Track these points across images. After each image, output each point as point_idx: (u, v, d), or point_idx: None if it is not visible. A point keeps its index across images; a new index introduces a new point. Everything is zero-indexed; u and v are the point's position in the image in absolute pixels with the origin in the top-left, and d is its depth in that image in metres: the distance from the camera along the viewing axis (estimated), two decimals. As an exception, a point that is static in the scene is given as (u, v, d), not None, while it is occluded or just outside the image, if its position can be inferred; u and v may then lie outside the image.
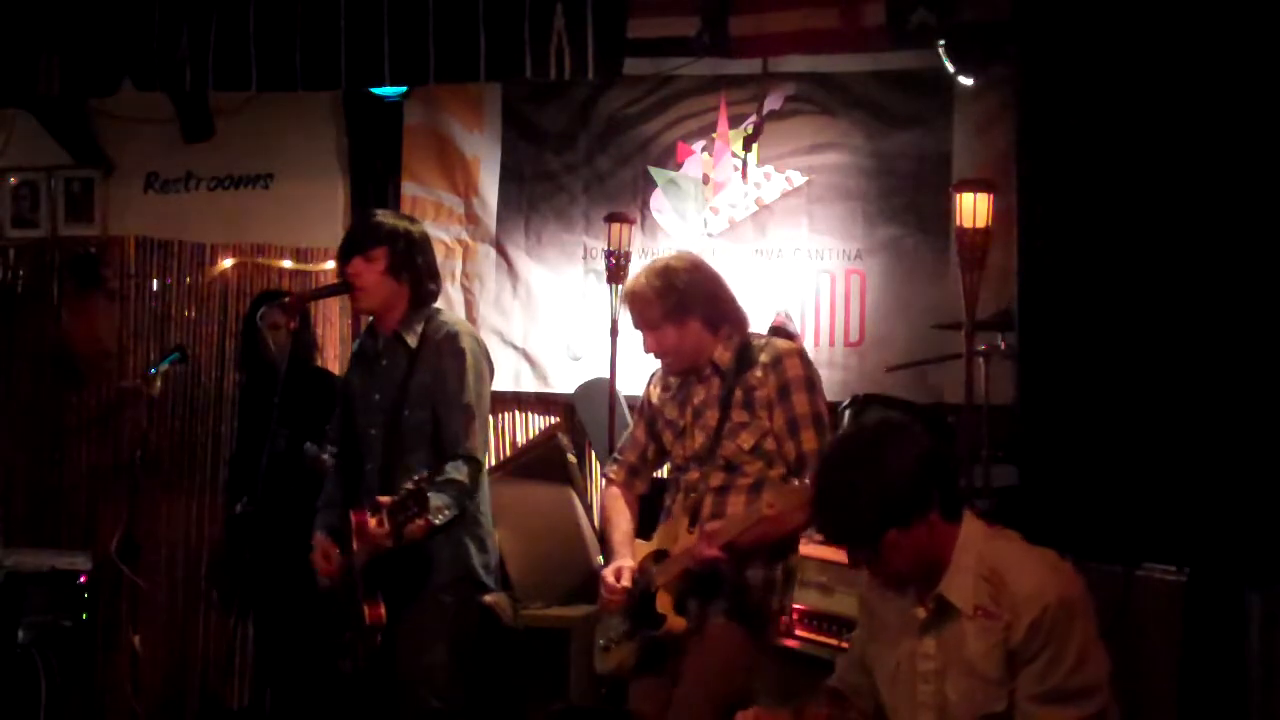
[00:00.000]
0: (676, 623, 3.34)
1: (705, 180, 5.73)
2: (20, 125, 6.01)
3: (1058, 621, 2.34)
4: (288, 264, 5.91)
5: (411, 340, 3.73)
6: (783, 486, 3.20)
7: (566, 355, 5.82)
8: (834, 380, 5.37)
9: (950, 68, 4.88)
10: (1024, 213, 3.59)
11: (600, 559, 3.95)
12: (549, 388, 5.85)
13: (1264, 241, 3.01)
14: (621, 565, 3.46)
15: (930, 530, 2.41)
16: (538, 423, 5.90)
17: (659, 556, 3.45)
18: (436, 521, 3.47)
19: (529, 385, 5.87)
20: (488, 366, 3.80)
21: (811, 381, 3.41)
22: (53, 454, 5.92)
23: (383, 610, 3.54)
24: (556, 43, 4.65)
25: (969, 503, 4.39)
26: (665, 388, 3.60)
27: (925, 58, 5.10)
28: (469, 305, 5.92)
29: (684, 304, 3.41)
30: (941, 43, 4.80)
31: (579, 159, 5.87)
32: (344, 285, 3.77)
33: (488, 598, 3.91)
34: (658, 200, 5.77)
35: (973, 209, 4.61)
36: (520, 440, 5.86)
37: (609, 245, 5.30)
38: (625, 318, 3.58)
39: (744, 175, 5.46)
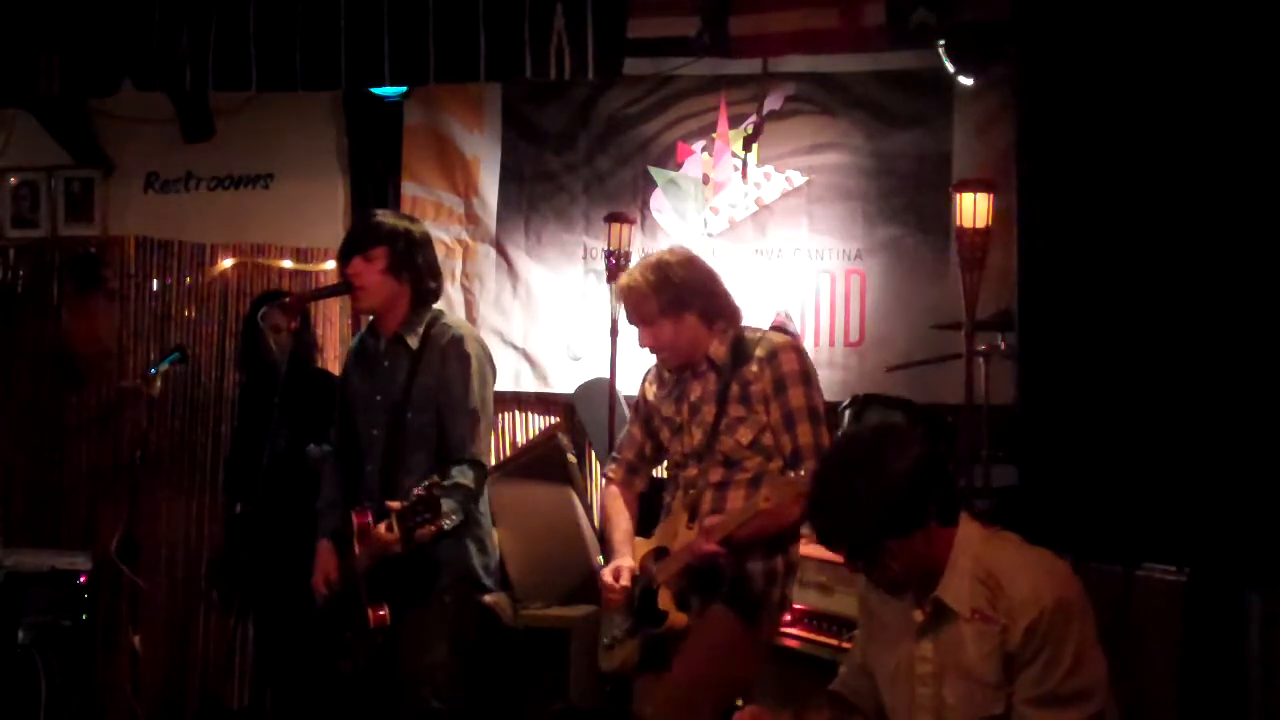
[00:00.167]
0: (678, 619, 3.34)
1: (705, 180, 5.74)
2: (20, 125, 6.01)
3: (1054, 625, 2.34)
4: (288, 264, 5.91)
5: (413, 341, 3.73)
6: (779, 479, 3.20)
7: (566, 355, 5.82)
8: (834, 380, 5.38)
9: (950, 68, 4.88)
10: (1024, 213, 3.59)
11: (600, 559, 3.95)
12: (549, 388, 5.85)
13: (1264, 242, 3.01)
14: (620, 565, 3.46)
15: (927, 537, 2.41)
16: (538, 423, 5.90)
17: (659, 554, 3.45)
18: (445, 526, 3.47)
19: (529, 385, 5.87)
20: (491, 370, 3.81)
21: (807, 375, 3.40)
22: (53, 454, 5.92)
23: (386, 612, 3.55)
24: (556, 43, 4.65)
25: (968, 503, 4.42)
26: (660, 384, 3.60)
27: (925, 58, 5.10)
28: (469, 305, 5.92)
29: (680, 298, 3.42)
30: (941, 43, 4.80)
31: (579, 159, 5.88)
32: (344, 285, 3.77)
33: (487, 598, 3.92)
34: (658, 200, 5.78)
35: (973, 209, 4.61)
36: (520, 440, 5.87)
37: (609, 245, 5.30)
38: (624, 316, 3.58)
39: (744, 175, 5.46)
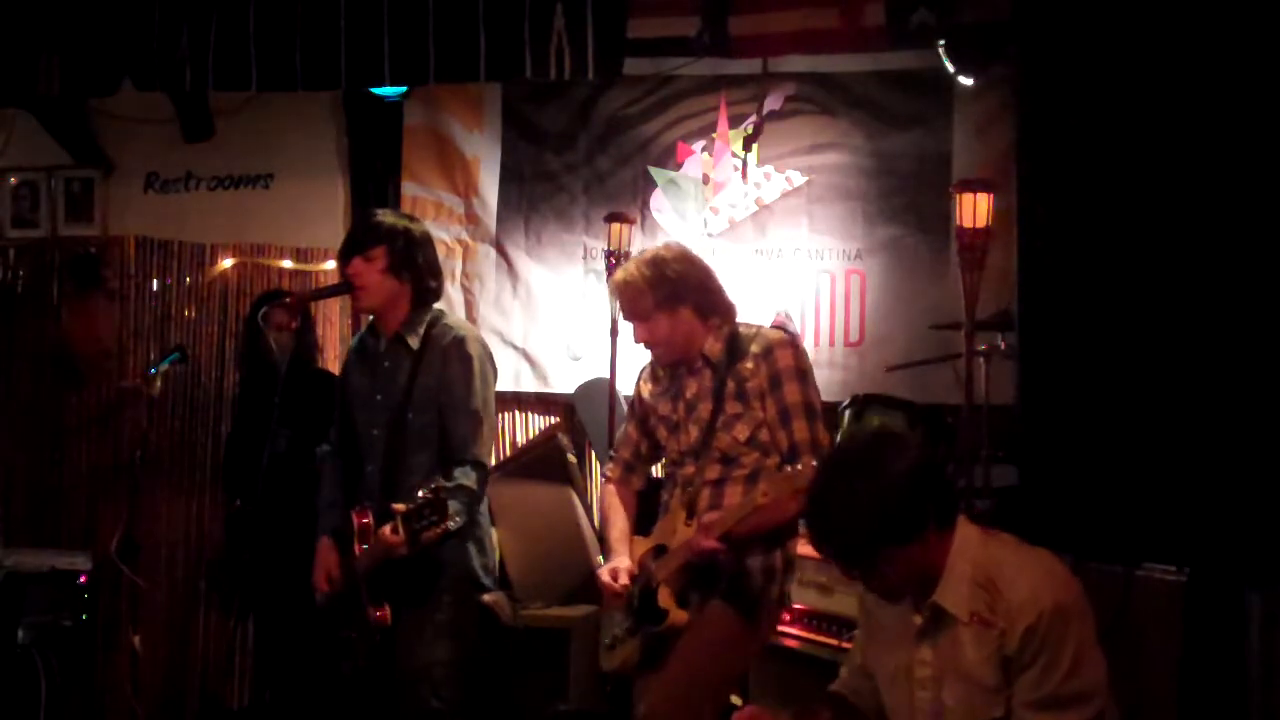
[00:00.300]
0: (679, 616, 3.34)
1: (705, 180, 5.74)
2: (20, 125, 6.01)
3: (1053, 627, 2.34)
4: (288, 264, 5.91)
5: (414, 341, 3.73)
6: (776, 474, 3.19)
7: (566, 355, 5.82)
8: (834, 380, 5.38)
9: (950, 68, 4.88)
10: (1024, 213, 3.58)
11: (601, 558, 3.95)
12: (549, 388, 5.85)
13: (1265, 242, 3.01)
14: (618, 565, 3.46)
15: (924, 544, 2.41)
16: (538, 423, 5.91)
17: (658, 552, 3.45)
18: (450, 528, 3.47)
19: (529, 385, 5.87)
20: (493, 371, 3.81)
21: (802, 371, 3.40)
22: (53, 454, 5.91)
23: (388, 612, 3.55)
24: (556, 43, 4.65)
25: (968, 503, 4.42)
26: (656, 382, 3.60)
27: (925, 58, 5.10)
28: (469, 305, 5.92)
29: (676, 293, 3.41)
30: (941, 43, 4.80)
31: (579, 159, 5.88)
32: (345, 285, 3.77)
33: (487, 597, 3.91)
34: (658, 200, 5.78)
35: (973, 209, 4.61)
36: (520, 440, 5.87)
37: (609, 245, 5.31)
38: (619, 312, 3.57)
39: (744, 175, 5.46)
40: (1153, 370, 3.16)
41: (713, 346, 3.45)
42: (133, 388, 5.77)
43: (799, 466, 3.10)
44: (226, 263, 5.94)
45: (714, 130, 5.73)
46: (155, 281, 5.97)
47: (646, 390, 3.62)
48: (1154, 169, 3.18)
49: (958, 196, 4.70)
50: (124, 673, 5.50)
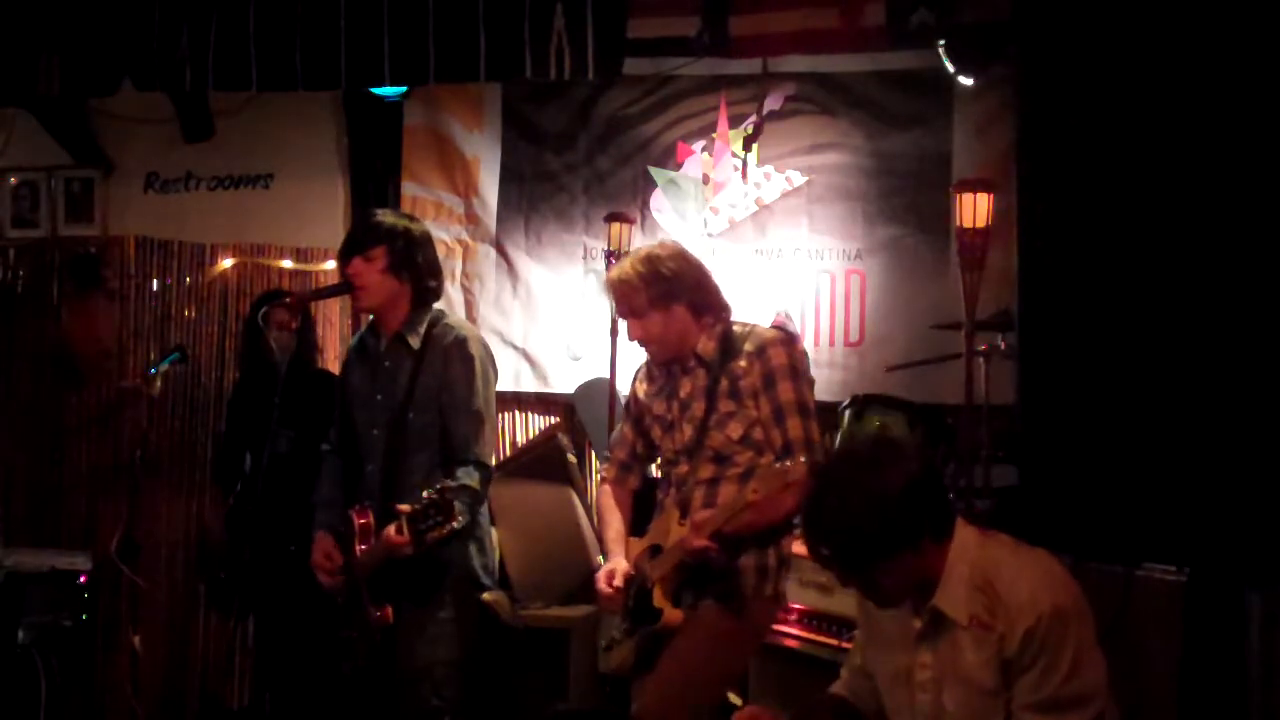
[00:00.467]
0: (673, 615, 3.34)
1: (705, 180, 5.74)
2: (20, 125, 6.01)
3: (1051, 630, 2.33)
4: (288, 264, 5.91)
5: (414, 341, 3.72)
6: (766, 471, 3.18)
7: (566, 355, 5.82)
8: (834, 380, 5.38)
9: (950, 68, 4.88)
10: (1024, 213, 3.59)
11: (601, 558, 3.95)
12: (549, 388, 5.86)
13: (1264, 242, 3.01)
14: (614, 567, 3.46)
15: (921, 553, 2.41)
16: (538, 423, 5.91)
17: (654, 552, 3.45)
18: (455, 528, 3.47)
19: (529, 385, 5.87)
20: (494, 371, 3.81)
21: (795, 369, 3.39)
22: (53, 454, 5.91)
23: (390, 612, 3.55)
24: (556, 43, 4.65)
25: (967, 503, 4.42)
26: (651, 382, 3.60)
27: (925, 58, 5.11)
28: (469, 305, 5.93)
29: (670, 291, 3.41)
30: (941, 43, 4.81)
31: (579, 159, 5.88)
32: (345, 285, 3.77)
33: (486, 595, 3.91)
34: (658, 200, 5.78)
35: (973, 209, 4.61)
36: (520, 440, 5.87)
37: (609, 245, 5.31)
38: (614, 309, 3.57)
39: (744, 175, 5.46)
40: (1153, 370, 3.16)
41: (706, 345, 3.44)
42: (133, 388, 5.77)
43: (788, 463, 3.10)
44: (226, 263, 5.94)
45: (714, 130, 5.73)
46: (155, 281, 5.97)
47: (642, 390, 3.62)
48: (1154, 169, 3.18)
49: (958, 196, 4.70)
50: (124, 673, 5.50)
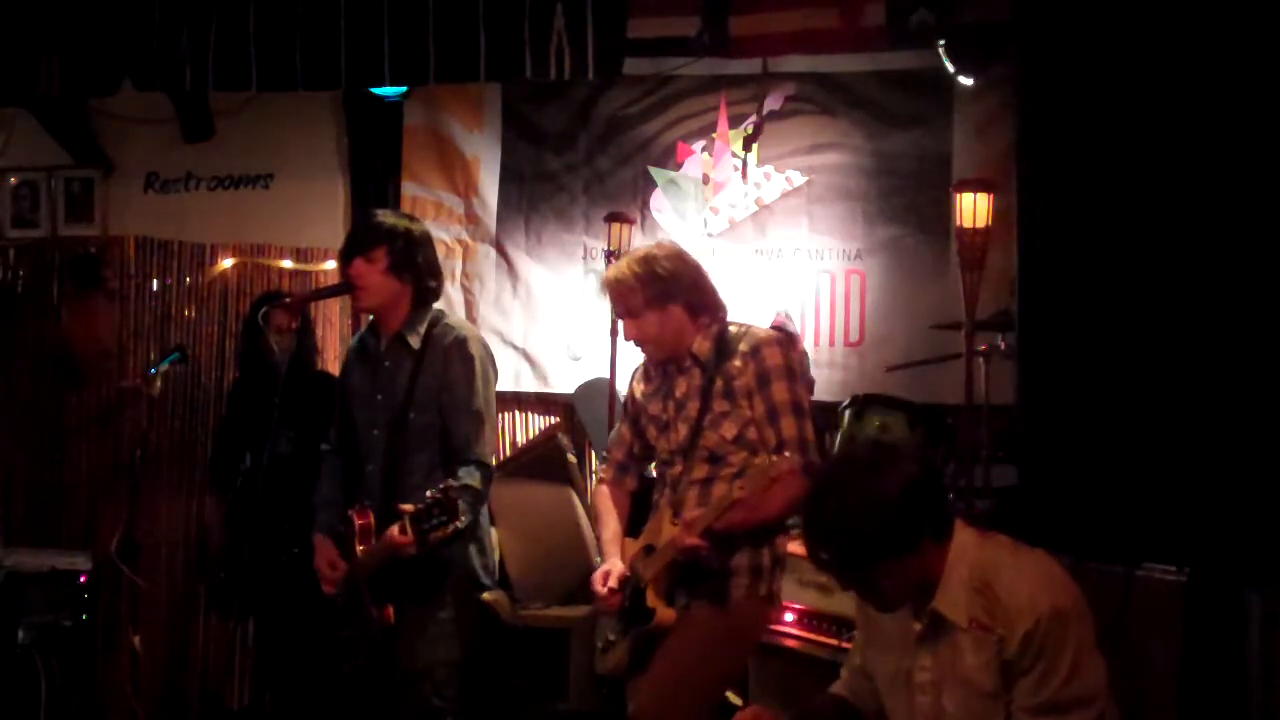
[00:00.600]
0: (666, 615, 3.34)
1: (705, 180, 5.74)
2: (20, 125, 6.01)
3: (1051, 632, 2.33)
4: (288, 264, 5.91)
5: (414, 341, 3.72)
6: (753, 467, 3.19)
7: (566, 355, 5.82)
8: (834, 380, 5.39)
9: (950, 68, 4.88)
10: (1024, 213, 3.59)
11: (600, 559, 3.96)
12: (549, 388, 5.86)
13: (1264, 241, 3.01)
14: (610, 568, 3.46)
15: (921, 556, 2.41)
16: (538, 423, 5.91)
17: (648, 552, 3.45)
18: (458, 527, 3.47)
19: (529, 385, 5.88)
20: (494, 371, 3.81)
21: (790, 369, 3.39)
22: (53, 454, 5.91)
23: (390, 612, 3.55)
24: (556, 43, 4.65)
25: (967, 503, 4.42)
26: (648, 382, 3.60)
27: (925, 58, 5.11)
28: (469, 305, 5.93)
29: (667, 291, 3.41)
30: (941, 43, 4.81)
31: (579, 159, 5.88)
32: (345, 285, 3.77)
33: (486, 595, 3.91)
34: (658, 200, 5.78)
35: (973, 209, 4.62)
36: (520, 440, 5.87)
37: (609, 245, 5.31)
38: (610, 309, 3.57)
39: (744, 175, 5.47)
40: (1152, 370, 3.16)
41: (701, 345, 3.44)
42: (133, 388, 5.77)
43: (774, 458, 3.10)
44: (226, 263, 5.94)
45: (714, 130, 5.73)
46: (155, 281, 5.97)
47: (639, 390, 3.62)
48: (1154, 169, 3.19)
49: (958, 196, 4.70)
50: (124, 673, 5.50)
